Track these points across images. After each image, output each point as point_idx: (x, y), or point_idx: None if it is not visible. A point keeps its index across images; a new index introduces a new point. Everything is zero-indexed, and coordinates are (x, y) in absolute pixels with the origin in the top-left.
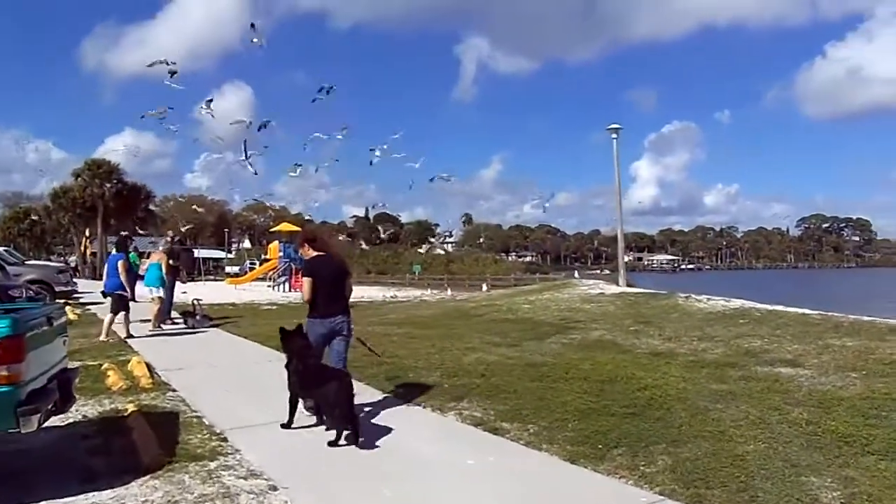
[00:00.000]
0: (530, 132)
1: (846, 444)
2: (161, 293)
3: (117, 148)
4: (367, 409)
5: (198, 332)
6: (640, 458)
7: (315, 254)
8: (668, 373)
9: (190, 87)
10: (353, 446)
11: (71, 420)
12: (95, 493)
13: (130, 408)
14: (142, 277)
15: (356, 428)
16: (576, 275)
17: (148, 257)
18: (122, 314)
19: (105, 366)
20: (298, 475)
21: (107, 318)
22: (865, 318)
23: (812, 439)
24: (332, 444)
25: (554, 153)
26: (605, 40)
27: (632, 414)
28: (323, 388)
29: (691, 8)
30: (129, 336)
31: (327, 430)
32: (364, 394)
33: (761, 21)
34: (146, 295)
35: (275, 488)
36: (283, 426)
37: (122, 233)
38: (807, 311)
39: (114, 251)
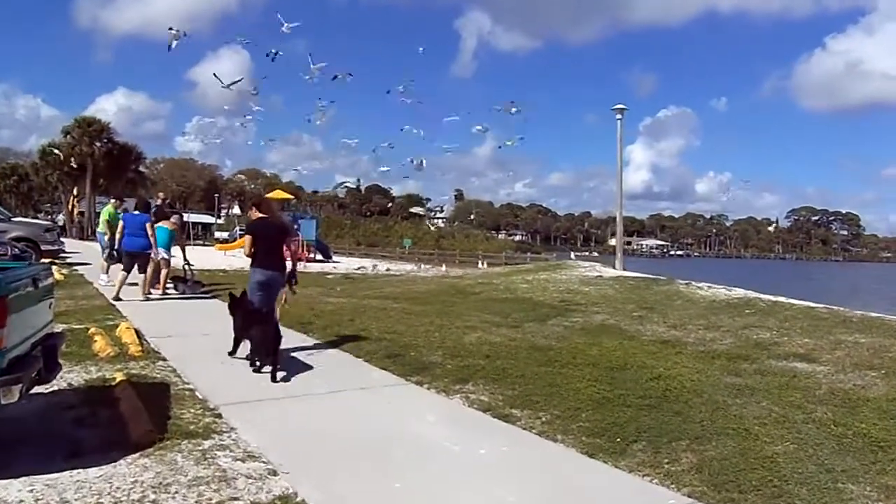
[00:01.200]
0: (527, 110)
1: (880, 449)
2: (167, 256)
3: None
4: (368, 388)
5: (189, 298)
6: (663, 455)
7: (258, 216)
8: (680, 363)
9: (185, 50)
10: (363, 429)
11: (55, 388)
12: (81, 470)
13: (118, 377)
14: None
15: (275, 363)
16: (571, 256)
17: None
18: (123, 274)
19: (92, 330)
20: (299, 459)
21: (139, 278)
22: (873, 315)
23: (843, 442)
24: (256, 370)
25: (550, 133)
26: (606, 22)
27: (648, 406)
28: (253, 329)
29: None
30: (118, 299)
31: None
32: (364, 372)
33: (765, 10)
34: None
35: (274, 473)
36: (229, 353)
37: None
38: (812, 304)
39: (134, 211)
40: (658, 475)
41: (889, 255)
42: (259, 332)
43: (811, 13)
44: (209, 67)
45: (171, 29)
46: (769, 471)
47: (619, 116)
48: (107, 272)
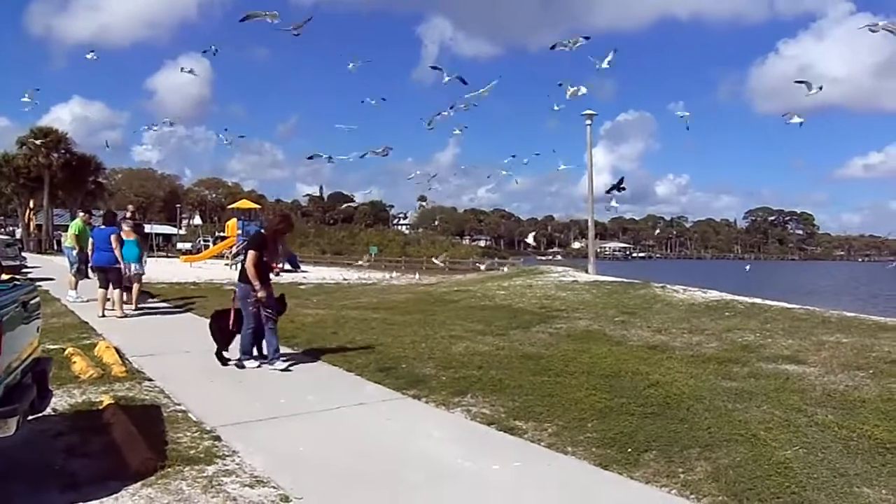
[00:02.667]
0: (489, 116)
1: (887, 451)
2: (141, 269)
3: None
4: (366, 403)
5: (163, 313)
6: (677, 464)
7: None
8: (673, 368)
9: (143, 59)
10: (369, 447)
11: (40, 414)
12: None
13: (105, 400)
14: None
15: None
16: (559, 257)
17: None
18: (101, 291)
19: (69, 350)
20: (310, 483)
21: (114, 294)
22: (850, 314)
23: (850, 445)
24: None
25: (512, 138)
26: (566, 28)
27: (652, 414)
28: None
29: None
30: (102, 316)
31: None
32: (358, 386)
33: (720, 16)
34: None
35: (286, 499)
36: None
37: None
38: (788, 304)
39: (101, 225)
40: (676, 485)
41: (842, 253)
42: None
43: (764, 19)
44: (168, 76)
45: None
46: (785, 477)
47: (588, 122)
48: (75, 288)
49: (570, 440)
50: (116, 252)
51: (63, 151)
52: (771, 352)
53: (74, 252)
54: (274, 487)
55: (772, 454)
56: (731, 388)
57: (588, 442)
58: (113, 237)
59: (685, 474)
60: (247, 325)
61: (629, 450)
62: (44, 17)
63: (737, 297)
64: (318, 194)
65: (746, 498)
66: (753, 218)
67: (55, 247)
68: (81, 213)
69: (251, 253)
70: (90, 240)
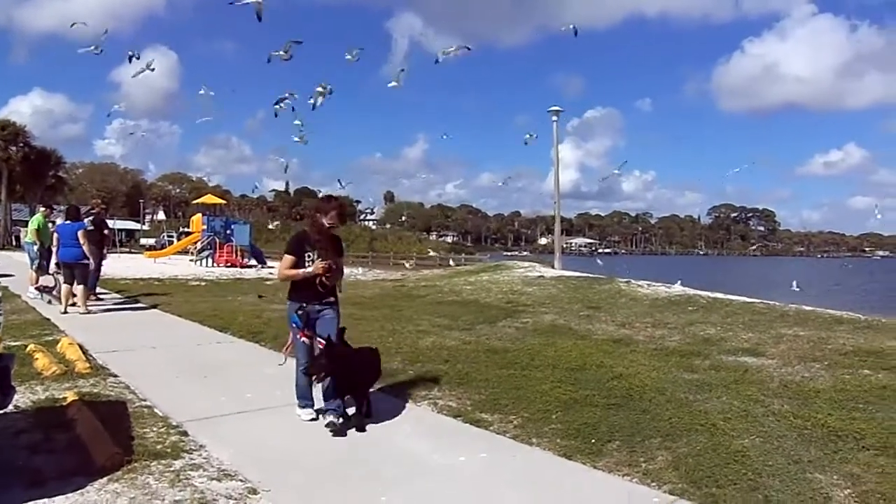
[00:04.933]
0: (457, 112)
1: (839, 438)
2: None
3: None
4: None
5: (126, 309)
6: (638, 454)
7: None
8: (636, 361)
9: (107, 51)
10: (337, 441)
11: (2, 411)
12: (45, 500)
13: (69, 396)
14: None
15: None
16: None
17: None
18: (65, 287)
19: (31, 347)
20: (278, 476)
21: (78, 289)
22: (807, 308)
23: (804, 434)
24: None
25: (479, 134)
26: (535, 25)
27: (615, 405)
28: None
29: None
30: (65, 313)
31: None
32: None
33: (687, 14)
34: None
35: (254, 492)
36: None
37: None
38: (748, 299)
39: (65, 220)
40: (637, 474)
41: (802, 249)
42: None
43: (730, 18)
44: (133, 68)
45: None
46: (742, 465)
47: (554, 118)
48: (36, 283)
49: (535, 431)
50: (85, 248)
51: (21, 145)
52: (731, 345)
53: (35, 247)
54: (241, 481)
55: (730, 443)
56: (692, 380)
57: (553, 433)
58: (80, 233)
59: (647, 463)
60: (300, 358)
61: (593, 440)
62: (5, 7)
63: (699, 292)
64: (284, 189)
65: (705, 485)
66: (717, 214)
67: (14, 242)
68: (42, 208)
69: (284, 258)
70: (54, 235)
